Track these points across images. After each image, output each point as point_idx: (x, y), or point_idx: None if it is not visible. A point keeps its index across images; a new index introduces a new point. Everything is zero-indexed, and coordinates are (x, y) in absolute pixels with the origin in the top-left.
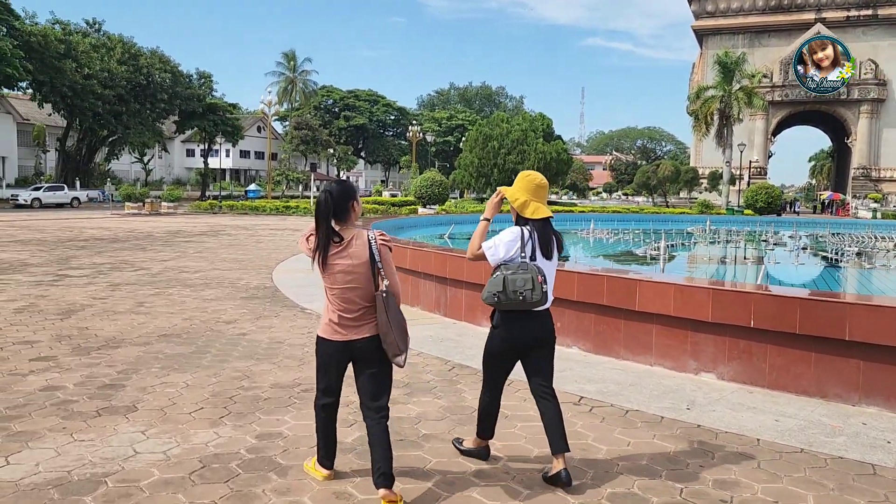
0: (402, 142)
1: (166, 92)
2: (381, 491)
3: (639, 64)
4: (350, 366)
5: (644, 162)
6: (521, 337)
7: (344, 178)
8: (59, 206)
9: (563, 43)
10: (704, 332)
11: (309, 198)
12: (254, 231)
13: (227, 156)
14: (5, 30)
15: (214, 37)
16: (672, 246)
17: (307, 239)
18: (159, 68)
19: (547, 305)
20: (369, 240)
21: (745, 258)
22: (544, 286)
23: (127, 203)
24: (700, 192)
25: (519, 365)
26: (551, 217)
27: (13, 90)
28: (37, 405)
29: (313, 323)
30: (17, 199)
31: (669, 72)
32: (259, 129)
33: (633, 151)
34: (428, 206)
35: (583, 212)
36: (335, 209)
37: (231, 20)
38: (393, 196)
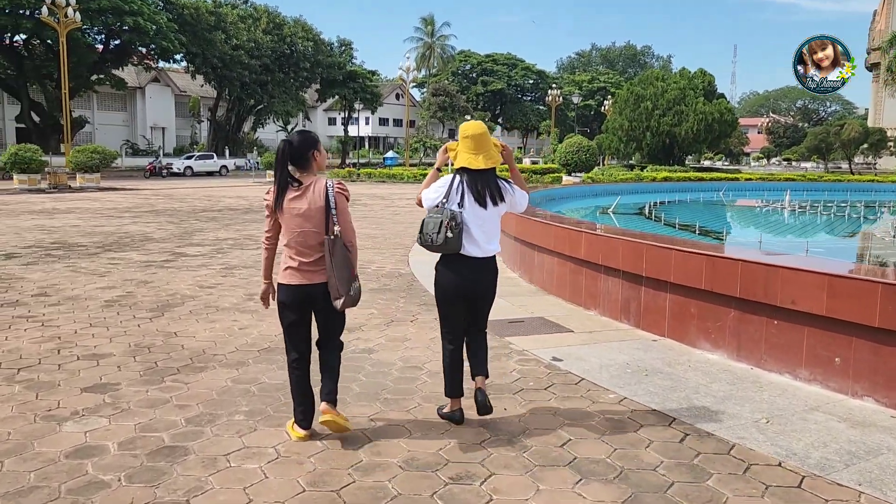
0: (541, 107)
1: (308, 60)
2: (323, 405)
3: (798, 18)
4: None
5: (805, 124)
6: (456, 282)
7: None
8: (209, 174)
9: None
10: None
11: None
12: (390, 201)
13: (367, 123)
14: (161, 4)
15: (354, 2)
16: None
17: (267, 193)
18: (302, 37)
19: (476, 253)
20: (326, 187)
21: None
22: (449, 232)
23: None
24: (880, 157)
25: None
26: (474, 165)
27: (169, 63)
28: (47, 491)
29: None
30: (172, 168)
31: (834, 25)
32: (397, 97)
33: (791, 113)
34: (573, 174)
35: (750, 179)
36: (293, 157)
37: None
38: (534, 163)
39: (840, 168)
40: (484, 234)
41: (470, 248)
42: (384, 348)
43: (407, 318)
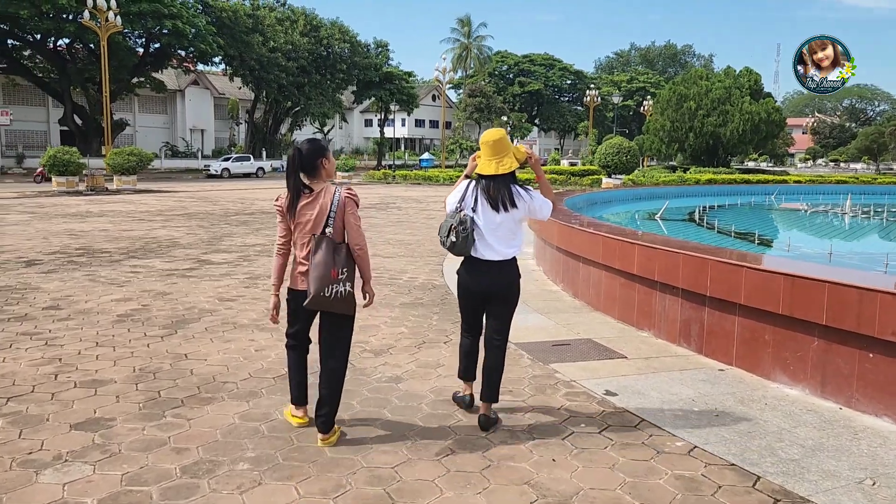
0: (578, 107)
1: (345, 62)
2: (319, 434)
3: (845, 15)
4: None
5: (853, 124)
6: (470, 283)
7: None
8: (246, 175)
9: None
10: None
11: None
12: (425, 204)
13: (403, 125)
14: (200, 7)
15: (391, 4)
16: None
17: (277, 199)
18: (339, 39)
19: (489, 256)
20: (335, 192)
21: None
22: (454, 236)
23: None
24: None
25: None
26: (486, 171)
27: (208, 65)
28: None
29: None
30: (209, 170)
31: (884, 23)
32: (433, 98)
33: (837, 112)
34: (613, 176)
35: (799, 181)
36: (304, 165)
37: None
38: (572, 165)
39: (892, 169)
40: (497, 238)
41: (483, 251)
42: (414, 376)
43: (440, 338)
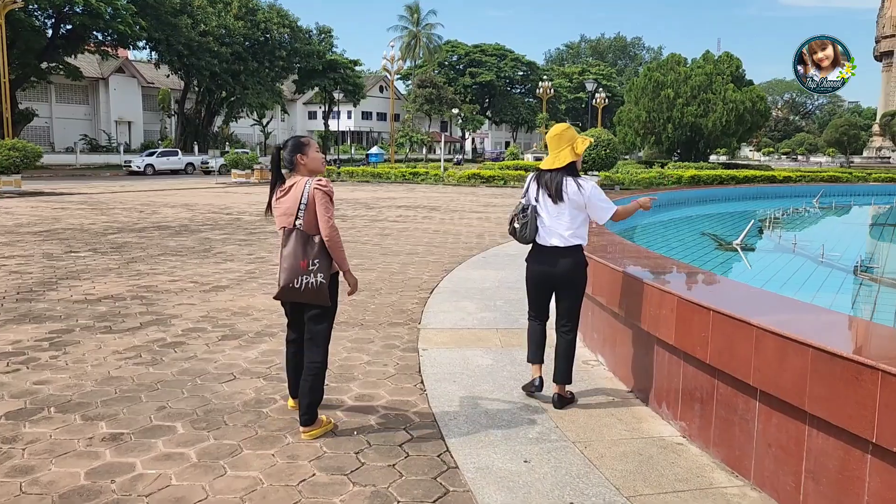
0: (531, 99)
1: (285, 49)
2: (301, 427)
3: (782, 14)
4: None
5: (795, 117)
6: (537, 269)
7: (473, 141)
8: (174, 172)
9: None
10: None
11: (437, 161)
12: (377, 210)
13: (349, 117)
14: None
15: None
16: None
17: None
18: (277, 23)
19: (549, 242)
20: (305, 185)
21: None
22: (517, 222)
23: (234, 171)
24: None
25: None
26: (541, 166)
27: (129, 49)
28: None
29: None
30: (131, 166)
31: (820, 21)
32: (381, 89)
33: (779, 106)
34: (590, 173)
35: (789, 178)
36: (284, 161)
37: None
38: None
39: (853, 163)
40: (559, 225)
41: (547, 237)
42: None
43: None
